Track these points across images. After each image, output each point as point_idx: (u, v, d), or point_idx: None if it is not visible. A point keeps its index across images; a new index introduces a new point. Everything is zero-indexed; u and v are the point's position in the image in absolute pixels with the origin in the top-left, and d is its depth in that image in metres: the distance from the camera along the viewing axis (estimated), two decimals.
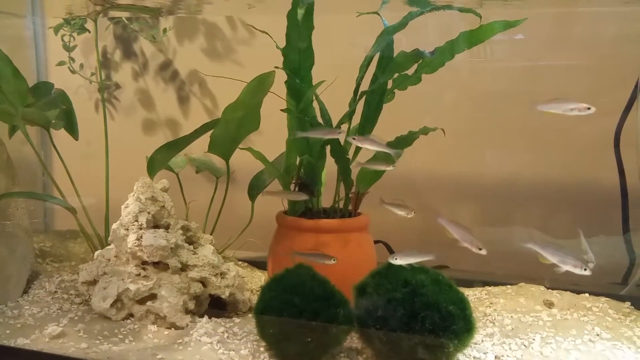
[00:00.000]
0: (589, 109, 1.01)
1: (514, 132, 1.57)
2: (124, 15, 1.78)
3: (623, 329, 1.15)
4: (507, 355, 1.03)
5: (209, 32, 1.82)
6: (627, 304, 1.30)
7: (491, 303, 1.26)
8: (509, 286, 1.36)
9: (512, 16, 1.22)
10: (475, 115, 1.59)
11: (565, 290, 1.32)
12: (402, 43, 1.39)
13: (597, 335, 1.12)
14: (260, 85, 1.13)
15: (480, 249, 1.01)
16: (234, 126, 1.20)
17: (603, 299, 1.30)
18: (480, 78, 1.60)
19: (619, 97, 1.43)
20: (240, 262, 1.51)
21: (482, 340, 1.08)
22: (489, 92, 1.59)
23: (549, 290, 1.32)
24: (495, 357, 1.02)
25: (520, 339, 1.09)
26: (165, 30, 1.78)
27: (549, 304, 1.24)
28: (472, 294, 1.34)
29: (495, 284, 1.37)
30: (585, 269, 0.99)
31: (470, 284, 1.42)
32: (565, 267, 1.02)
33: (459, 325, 0.95)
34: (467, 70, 1.58)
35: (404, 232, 1.69)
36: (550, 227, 1.58)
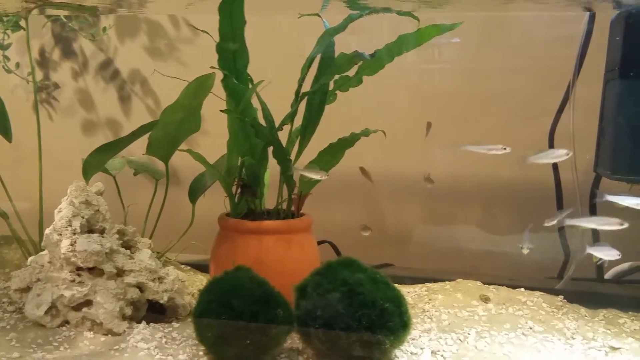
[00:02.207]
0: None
1: (455, 132, 1.61)
2: (62, 13, 1.72)
3: (555, 322, 1.20)
4: (444, 350, 1.05)
5: (151, 30, 1.79)
6: (560, 297, 1.35)
7: (430, 299, 1.29)
8: (447, 282, 1.39)
9: (449, 20, 1.25)
10: (418, 115, 1.62)
11: (502, 285, 1.37)
12: (352, 44, 1.42)
13: (530, 328, 1.16)
14: (199, 88, 1.12)
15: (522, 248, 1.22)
16: (173, 128, 1.18)
17: (538, 293, 1.35)
18: (422, 80, 1.64)
19: (555, 98, 1.49)
20: (182, 266, 1.49)
21: (420, 336, 1.11)
22: (430, 94, 1.63)
23: (486, 285, 1.36)
24: (432, 352, 1.05)
25: (456, 333, 1.12)
26: (104, 29, 1.73)
27: (485, 299, 1.28)
28: (412, 291, 1.37)
29: (435, 281, 1.41)
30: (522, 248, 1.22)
31: (411, 280, 1.45)
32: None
33: (395, 322, 0.97)
34: (409, 72, 1.62)
35: (350, 231, 1.71)
36: (491, 224, 1.64)
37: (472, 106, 1.60)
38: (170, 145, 1.21)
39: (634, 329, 1.20)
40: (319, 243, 1.60)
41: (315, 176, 1.21)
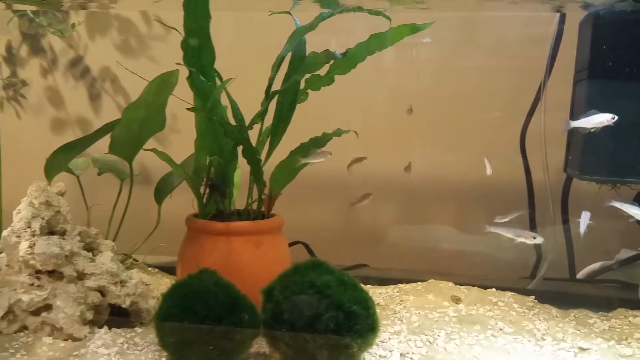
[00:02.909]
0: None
1: (431, 134, 1.60)
2: (25, 7, 1.68)
3: (525, 323, 1.20)
4: (413, 352, 1.04)
5: (122, 27, 1.75)
6: (532, 297, 1.35)
7: (401, 300, 1.28)
8: (419, 283, 1.38)
9: (419, 20, 1.24)
10: (392, 115, 1.62)
11: (474, 285, 1.37)
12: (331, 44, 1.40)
13: (500, 329, 1.15)
14: (163, 85, 1.09)
15: (534, 238, 1.20)
16: (136, 126, 1.15)
17: (509, 293, 1.35)
18: (395, 81, 1.63)
19: (527, 99, 1.49)
20: (150, 268, 1.46)
21: (389, 338, 1.09)
22: (405, 94, 1.62)
23: (457, 286, 1.35)
24: (401, 354, 1.03)
25: (426, 335, 1.11)
26: (73, 25, 1.69)
27: (456, 300, 1.27)
28: (384, 292, 1.36)
29: (408, 281, 1.40)
30: (535, 238, 1.21)
31: (385, 281, 1.44)
32: (519, 239, 1.22)
33: (362, 324, 0.95)
34: (382, 72, 1.60)
35: (324, 232, 1.70)
36: (465, 224, 1.64)
37: (445, 106, 1.59)
38: (134, 144, 1.18)
39: (604, 329, 1.20)
40: (293, 244, 1.58)
41: (318, 159, 1.21)
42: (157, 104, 1.12)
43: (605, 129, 1.21)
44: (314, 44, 1.27)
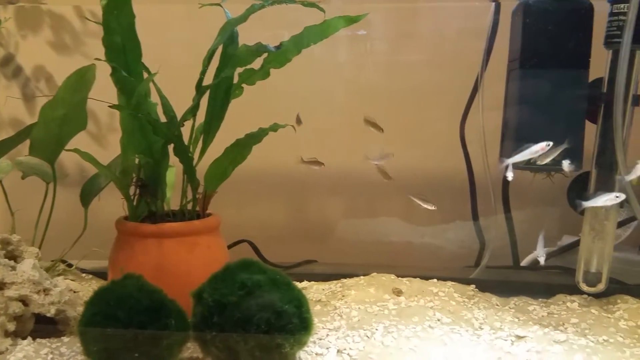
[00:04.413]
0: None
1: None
2: None
3: (464, 312, 1.20)
4: (350, 348, 1.03)
5: (55, 23, 1.68)
6: (472, 286, 1.36)
7: (343, 295, 1.26)
8: (362, 277, 1.37)
9: (353, 11, 1.23)
10: (331, 110, 1.60)
11: (416, 277, 1.37)
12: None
13: (438, 320, 1.15)
14: (80, 81, 1.04)
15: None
16: (55, 126, 1.10)
17: (450, 283, 1.35)
18: (334, 74, 1.62)
19: (466, 90, 1.49)
20: (84, 274, 1.41)
21: (327, 335, 1.08)
22: (345, 88, 1.61)
23: (399, 278, 1.35)
24: (338, 351, 1.02)
25: (364, 330, 1.10)
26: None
27: (397, 292, 1.27)
28: (327, 288, 1.34)
29: (350, 276, 1.39)
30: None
31: (331, 277, 1.43)
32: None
33: (294, 323, 0.93)
34: (319, 65, 1.59)
35: (269, 229, 1.68)
36: (412, 216, 1.64)
37: (384, 100, 1.59)
38: (55, 144, 1.12)
39: (542, 316, 1.22)
40: (238, 242, 1.56)
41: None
42: (76, 102, 1.07)
43: (537, 117, 1.23)
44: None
